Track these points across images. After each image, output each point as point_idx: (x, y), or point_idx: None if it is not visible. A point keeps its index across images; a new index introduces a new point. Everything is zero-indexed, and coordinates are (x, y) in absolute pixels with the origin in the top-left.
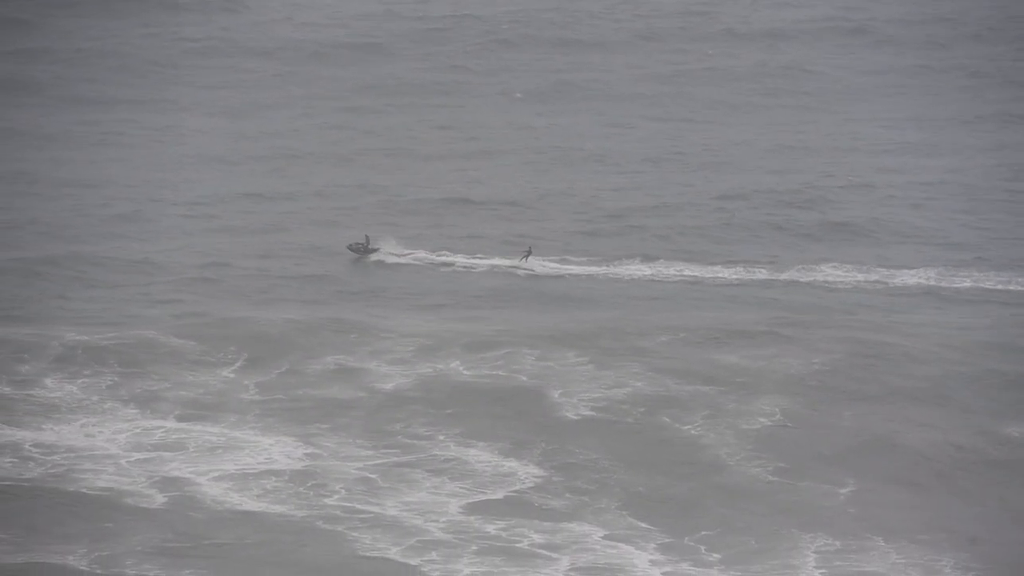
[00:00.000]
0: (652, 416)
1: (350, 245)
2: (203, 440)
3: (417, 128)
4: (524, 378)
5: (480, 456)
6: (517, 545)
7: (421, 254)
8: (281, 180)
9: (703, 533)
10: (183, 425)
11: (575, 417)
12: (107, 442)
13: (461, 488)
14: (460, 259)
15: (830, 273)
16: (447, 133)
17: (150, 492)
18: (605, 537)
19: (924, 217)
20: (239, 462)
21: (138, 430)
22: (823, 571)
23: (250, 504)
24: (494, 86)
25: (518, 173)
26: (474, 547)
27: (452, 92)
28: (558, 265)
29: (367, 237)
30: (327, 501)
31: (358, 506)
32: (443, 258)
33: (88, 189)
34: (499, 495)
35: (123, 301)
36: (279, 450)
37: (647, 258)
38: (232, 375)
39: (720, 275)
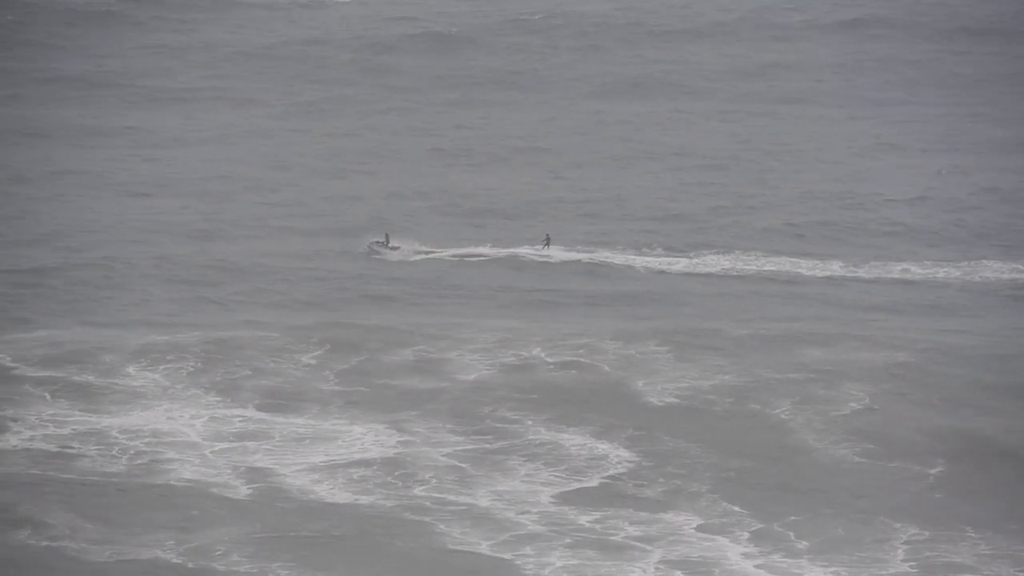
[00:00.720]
0: (740, 404)
1: (370, 243)
2: (289, 430)
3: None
4: (607, 368)
5: (572, 440)
6: (611, 538)
7: (444, 253)
8: (365, 180)
9: (792, 518)
10: (264, 415)
11: (660, 404)
12: (189, 428)
13: (555, 475)
14: (484, 250)
15: (910, 271)
16: (525, 128)
17: (236, 483)
18: (699, 528)
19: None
20: (327, 452)
21: (220, 418)
22: (912, 563)
23: (338, 495)
24: (573, 81)
25: (596, 170)
26: (568, 540)
27: (531, 86)
28: (635, 257)
29: (386, 235)
30: (416, 492)
31: (449, 497)
32: (465, 250)
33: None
34: (593, 482)
35: (201, 301)
36: (371, 439)
37: (725, 250)
38: (313, 362)
39: (799, 271)
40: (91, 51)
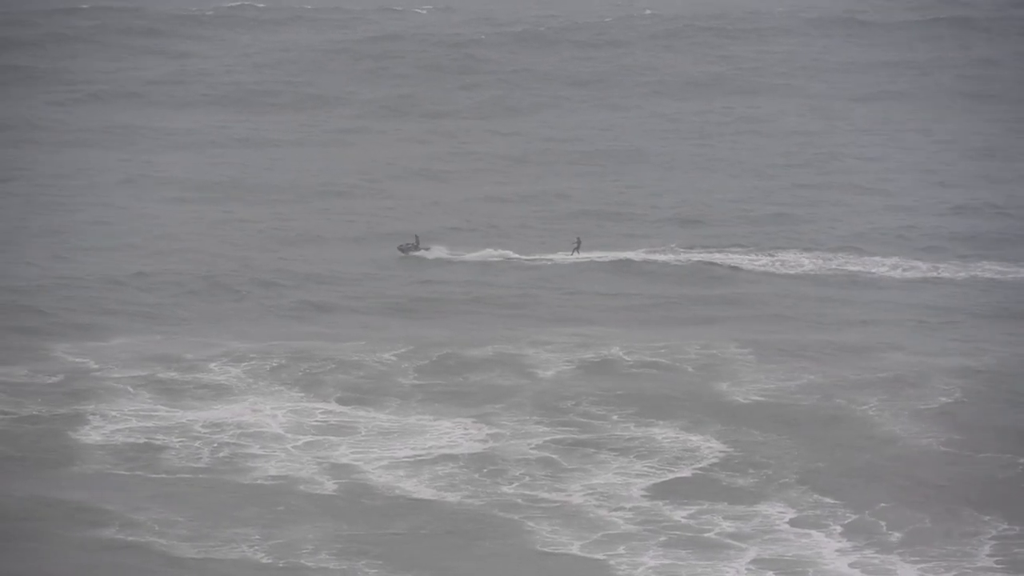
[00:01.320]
0: (826, 400)
1: (400, 245)
2: (372, 424)
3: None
4: (690, 368)
5: (663, 433)
6: (705, 535)
7: (472, 255)
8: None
9: (882, 505)
10: (346, 409)
11: (747, 402)
12: (271, 420)
13: (648, 467)
14: (511, 254)
15: (992, 269)
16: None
17: (321, 479)
18: (792, 522)
19: None
20: (413, 446)
21: (302, 411)
22: (998, 559)
23: (425, 491)
24: (646, 81)
25: (677, 174)
26: (662, 538)
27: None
28: (723, 256)
29: (416, 237)
30: (505, 489)
31: (540, 494)
32: (498, 253)
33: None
34: (686, 472)
35: (280, 306)
36: (459, 432)
37: (805, 251)
38: (392, 359)
39: (878, 272)
40: (170, 54)
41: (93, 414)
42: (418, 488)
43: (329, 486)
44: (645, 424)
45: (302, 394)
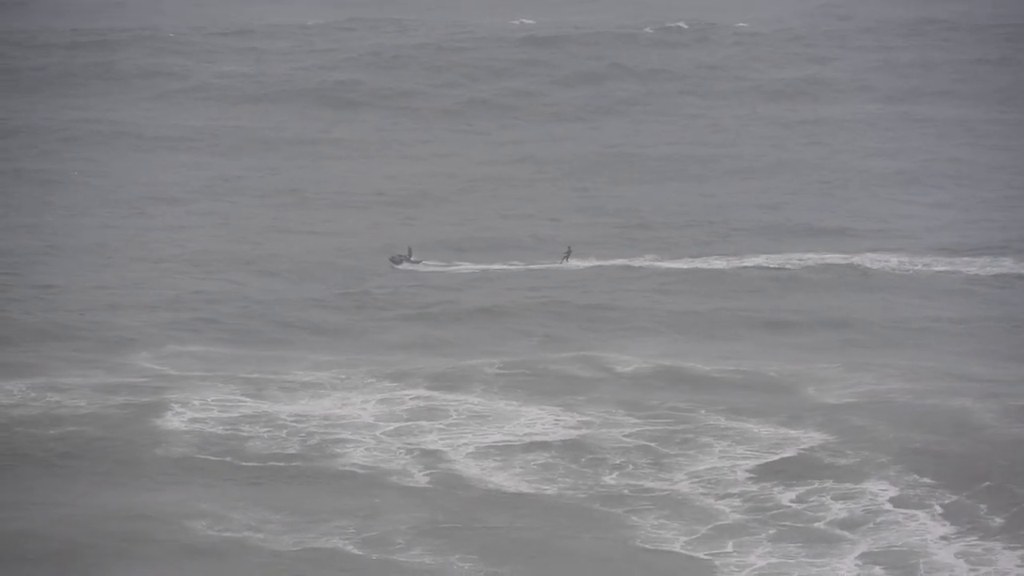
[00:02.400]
0: (919, 399)
1: (392, 256)
2: (462, 408)
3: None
4: (772, 374)
5: (759, 428)
6: (814, 525)
7: (466, 265)
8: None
9: (982, 486)
10: (435, 393)
11: (838, 402)
12: (361, 411)
13: (750, 451)
14: (496, 266)
15: None
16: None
17: (413, 469)
18: (894, 501)
19: None
20: (505, 432)
21: (391, 400)
22: None
23: (519, 483)
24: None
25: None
26: (771, 530)
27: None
28: (786, 267)
29: (409, 249)
30: (607, 479)
31: (645, 483)
32: (482, 266)
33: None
34: (790, 452)
35: (372, 317)
36: (550, 419)
37: (893, 254)
38: (479, 363)
39: (966, 271)
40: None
41: (175, 402)
42: (513, 480)
43: (421, 478)
44: (738, 420)
45: (392, 384)
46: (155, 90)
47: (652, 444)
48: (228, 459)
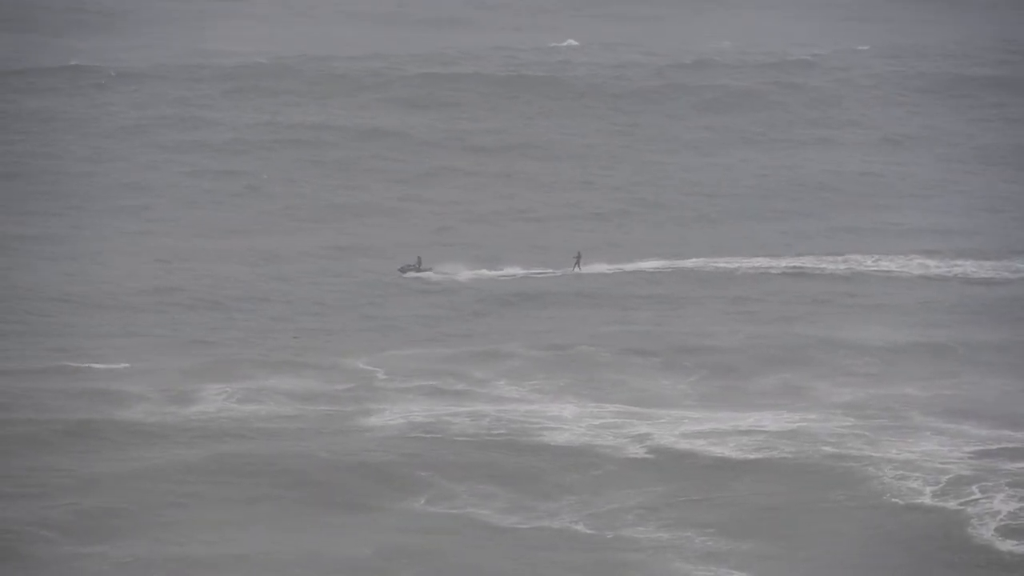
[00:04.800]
0: None
1: (401, 267)
2: (668, 413)
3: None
4: None
5: (974, 430)
6: None
7: (483, 272)
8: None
9: None
10: (635, 408)
11: None
12: (564, 413)
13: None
14: (516, 271)
15: None
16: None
17: (629, 446)
18: None
19: None
20: (716, 421)
21: (591, 413)
22: None
23: (747, 454)
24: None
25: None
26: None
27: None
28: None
29: (419, 258)
30: (828, 449)
31: (867, 452)
32: (497, 272)
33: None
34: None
35: (556, 319)
36: (769, 415)
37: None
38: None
39: None
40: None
41: (378, 409)
42: (736, 452)
43: (638, 449)
44: (953, 422)
45: (591, 399)
46: None
47: (867, 434)
48: (437, 435)
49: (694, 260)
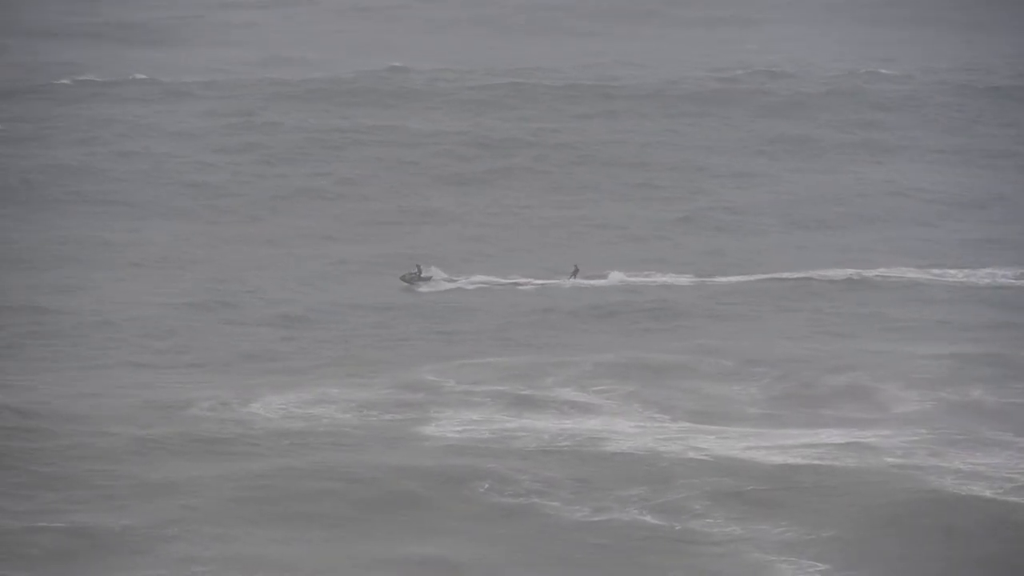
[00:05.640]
0: None
1: (403, 275)
2: (729, 430)
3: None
4: None
5: None
6: None
7: (478, 278)
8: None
9: None
10: (699, 425)
11: None
12: (630, 427)
13: None
14: (508, 281)
15: None
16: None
17: (694, 445)
18: None
19: None
20: (780, 437)
21: (655, 428)
22: None
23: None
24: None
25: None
26: None
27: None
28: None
29: (418, 267)
30: (887, 460)
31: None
32: (492, 280)
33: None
34: None
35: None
36: (824, 432)
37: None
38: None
39: None
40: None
41: (438, 418)
42: (800, 459)
43: (704, 447)
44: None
45: (658, 413)
46: None
47: (939, 448)
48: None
49: (762, 274)
